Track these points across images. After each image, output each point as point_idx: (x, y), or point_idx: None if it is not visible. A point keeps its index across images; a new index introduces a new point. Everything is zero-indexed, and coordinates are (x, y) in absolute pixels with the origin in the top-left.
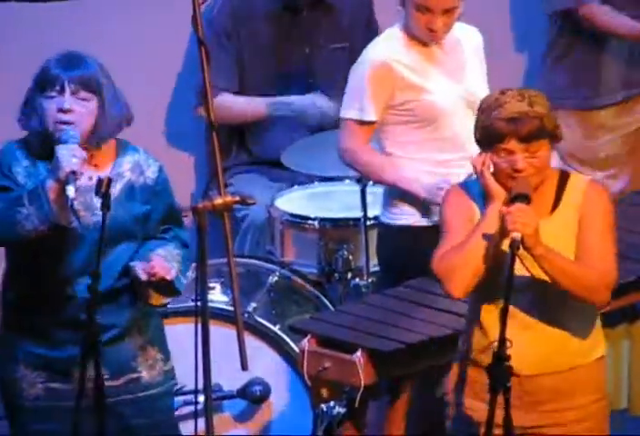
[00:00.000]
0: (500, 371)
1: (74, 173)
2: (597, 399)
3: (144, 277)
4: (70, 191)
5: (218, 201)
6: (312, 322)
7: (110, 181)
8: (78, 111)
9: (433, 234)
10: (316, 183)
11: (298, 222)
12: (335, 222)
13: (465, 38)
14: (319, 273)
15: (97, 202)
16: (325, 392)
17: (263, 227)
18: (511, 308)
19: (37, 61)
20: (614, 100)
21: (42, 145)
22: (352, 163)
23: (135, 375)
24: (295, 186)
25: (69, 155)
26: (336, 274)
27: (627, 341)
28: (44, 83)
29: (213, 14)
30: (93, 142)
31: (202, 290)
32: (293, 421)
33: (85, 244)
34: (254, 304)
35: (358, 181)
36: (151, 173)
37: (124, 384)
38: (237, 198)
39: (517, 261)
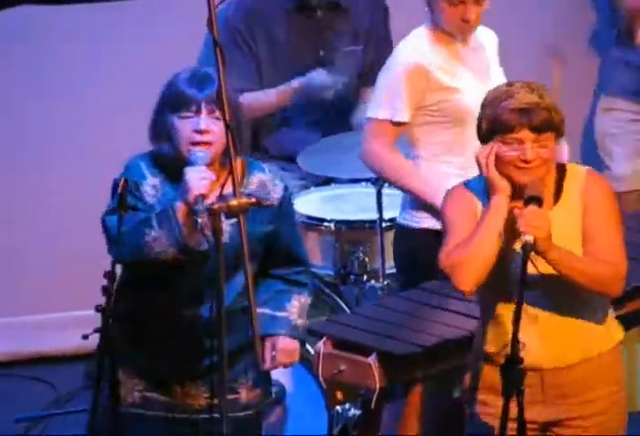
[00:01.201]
0: (513, 374)
1: (202, 195)
2: (617, 389)
3: (267, 366)
4: (201, 215)
5: (233, 202)
6: (327, 324)
7: (126, 182)
8: (214, 131)
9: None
10: (332, 184)
11: (314, 224)
12: (351, 224)
13: (485, 39)
14: (335, 275)
15: (224, 223)
16: (340, 395)
17: None
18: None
19: (61, 67)
20: None
21: (172, 164)
22: (374, 165)
23: (233, 396)
24: (312, 188)
25: (198, 178)
26: (352, 276)
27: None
28: (176, 103)
29: (228, 15)
30: (226, 161)
31: (218, 292)
32: (308, 422)
33: (208, 264)
34: None
35: (374, 183)
36: (276, 194)
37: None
38: (253, 200)
39: (531, 259)
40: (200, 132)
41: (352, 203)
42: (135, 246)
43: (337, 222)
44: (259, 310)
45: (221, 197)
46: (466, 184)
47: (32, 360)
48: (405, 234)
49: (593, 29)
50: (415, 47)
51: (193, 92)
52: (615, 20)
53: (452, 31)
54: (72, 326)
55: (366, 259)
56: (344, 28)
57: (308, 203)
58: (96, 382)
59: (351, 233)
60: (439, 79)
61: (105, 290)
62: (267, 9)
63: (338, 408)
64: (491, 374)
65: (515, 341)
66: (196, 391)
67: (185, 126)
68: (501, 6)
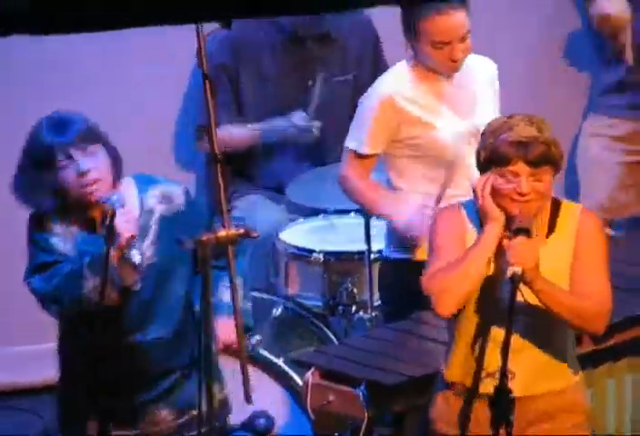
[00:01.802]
0: (502, 406)
1: (132, 236)
2: (583, 420)
3: (219, 350)
4: (135, 256)
5: (222, 233)
6: (316, 355)
7: (114, 213)
8: (96, 166)
9: None
10: (321, 215)
11: (303, 254)
12: (340, 255)
13: (478, 69)
14: (323, 306)
15: (141, 246)
16: (329, 425)
17: (266, 249)
18: (499, 331)
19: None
20: None
21: (72, 211)
22: (345, 190)
23: (196, 412)
24: (300, 219)
25: (123, 222)
26: (340, 307)
27: (630, 374)
28: (45, 156)
29: (212, 49)
30: (116, 188)
31: (206, 322)
32: None
33: (143, 288)
34: (258, 337)
35: (362, 213)
36: (178, 199)
37: (188, 421)
38: (241, 231)
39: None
40: (84, 174)
41: (340, 234)
42: (72, 300)
43: (326, 254)
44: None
45: (209, 228)
46: (458, 207)
47: (19, 390)
48: (388, 266)
49: (580, 50)
50: (392, 81)
51: (56, 139)
52: (600, 41)
53: (439, 70)
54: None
55: (355, 290)
56: (333, 58)
57: (297, 234)
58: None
59: (340, 264)
60: (413, 113)
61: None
62: (254, 41)
63: None
64: (449, 402)
65: (504, 370)
66: (161, 416)
67: (66, 175)
68: (489, 26)
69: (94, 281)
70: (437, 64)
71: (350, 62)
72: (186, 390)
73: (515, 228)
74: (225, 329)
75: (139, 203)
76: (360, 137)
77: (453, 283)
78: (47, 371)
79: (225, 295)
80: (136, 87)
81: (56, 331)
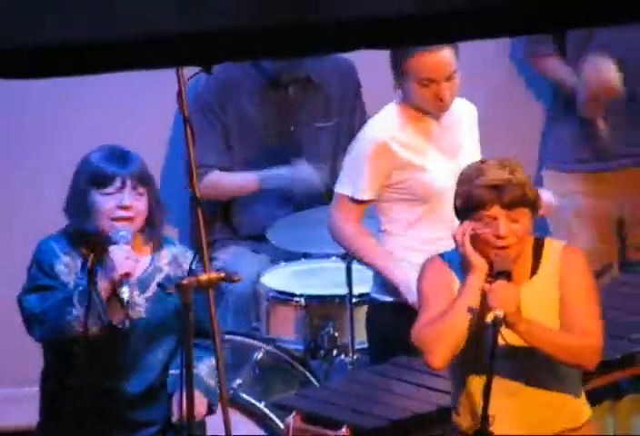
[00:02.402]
0: None
1: (127, 274)
2: None
3: (175, 419)
4: (124, 293)
5: (203, 277)
6: (297, 398)
7: (95, 258)
8: (136, 206)
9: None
10: (302, 259)
11: (284, 298)
12: (321, 299)
13: (461, 111)
14: (305, 350)
15: (138, 298)
16: None
17: (247, 299)
18: (496, 377)
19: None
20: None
21: (86, 241)
22: (340, 240)
23: None
24: (282, 263)
25: (123, 257)
26: (322, 351)
27: (611, 418)
28: (98, 179)
29: (199, 86)
30: (147, 235)
31: (187, 366)
32: None
33: (127, 340)
34: (239, 381)
35: (344, 258)
36: (187, 266)
37: None
38: (222, 274)
39: (500, 332)
40: (124, 208)
41: (322, 278)
42: (56, 326)
43: (307, 297)
44: (172, 371)
45: (190, 272)
46: (443, 257)
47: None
48: (376, 308)
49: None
50: (383, 125)
51: (114, 168)
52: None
53: (427, 109)
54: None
55: (336, 333)
56: (315, 104)
57: (278, 278)
58: None
59: (321, 308)
60: (404, 157)
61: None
62: (238, 84)
63: None
64: None
65: (485, 413)
66: None
67: (108, 202)
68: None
69: (80, 310)
70: (425, 103)
71: (332, 108)
72: None
73: (494, 271)
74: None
75: (151, 258)
76: (356, 183)
77: (440, 336)
78: (23, 416)
79: (200, 371)
80: (122, 120)
81: (40, 368)
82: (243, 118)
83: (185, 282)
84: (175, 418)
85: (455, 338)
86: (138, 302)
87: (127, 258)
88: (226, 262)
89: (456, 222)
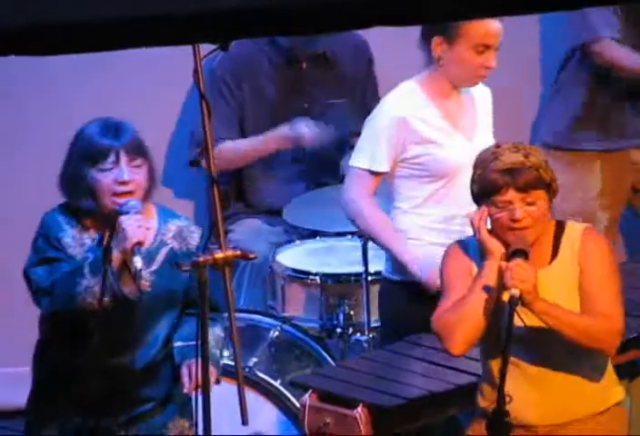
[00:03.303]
0: (499, 428)
1: (139, 243)
2: None
3: (186, 390)
4: (137, 262)
5: (219, 255)
6: (313, 377)
7: (111, 236)
8: (135, 180)
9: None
10: (318, 237)
11: (300, 277)
12: (337, 277)
13: (478, 95)
14: (320, 328)
15: (145, 271)
16: None
17: (263, 271)
18: (516, 360)
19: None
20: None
21: (91, 216)
22: (353, 215)
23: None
24: (297, 241)
25: (135, 226)
26: (337, 329)
27: (627, 397)
28: (92, 155)
29: (214, 64)
30: (147, 207)
31: (203, 345)
32: None
33: (130, 312)
34: (254, 359)
35: (360, 236)
36: (193, 241)
37: None
38: (238, 252)
39: (518, 313)
40: (123, 183)
41: (337, 256)
42: (66, 296)
43: (323, 276)
44: (177, 344)
45: (206, 249)
46: (462, 243)
47: (9, 413)
48: (388, 287)
49: None
50: (402, 100)
51: (108, 141)
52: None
53: (463, 80)
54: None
55: (352, 312)
56: (329, 80)
57: (293, 256)
58: None
59: (336, 287)
60: (421, 132)
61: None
62: (253, 61)
63: None
64: (482, 428)
65: (502, 393)
66: None
67: (105, 178)
68: None
69: (90, 281)
70: (468, 71)
71: (345, 85)
72: (156, 422)
73: (511, 250)
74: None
75: (156, 231)
76: (373, 155)
77: (456, 323)
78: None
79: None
80: (131, 97)
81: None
82: (258, 95)
83: (200, 259)
84: (186, 389)
85: (474, 323)
86: (143, 275)
87: (139, 227)
88: (241, 234)
89: (470, 201)
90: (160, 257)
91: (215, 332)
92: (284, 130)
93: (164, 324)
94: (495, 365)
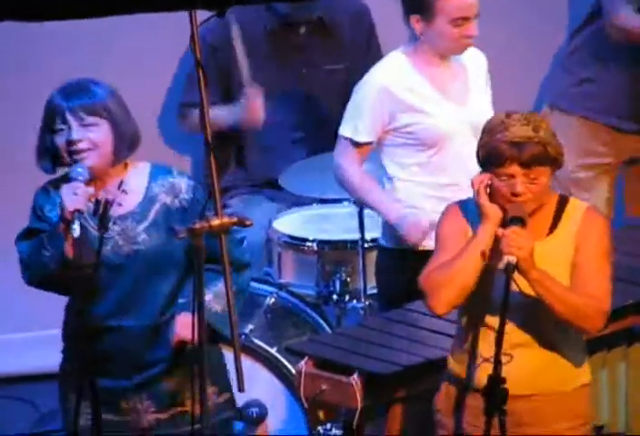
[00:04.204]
0: (495, 395)
1: (78, 211)
2: (579, 424)
3: (174, 344)
4: (75, 230)
5: (215, 222)
6: (309, 344)
7: (108, 202)
8: (89, 138)
9: (425, 259)
10: (314, 204)
11: (296, 243)
12: (333, 244)
13: (471, 60)
14: (317, 295)
15: (135, 230)
16: (321, 414)
17: (260, 248)
18: (494, 326)
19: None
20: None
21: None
22: (341, 180)
23: (181, 409)
24: (294, 208)
25: (70, 194)
26: (334, 296)
27: (624, 364)
28: (49, 117)
29: (206, 30)
30: (115, 164)
31: (199, 312)
32: None
33: (127, 273)
34: (251, 326)
35: (356, 203)
36: (186, 195)
37: (170, 418)
38: (235, 219)
39: (514, 281)
40: (71, 142)
41: (334, 223)
42: (35, 267)
43: (319, 242)
44: (181, 300)
45: (202, 217)
46: (461, 205)
47: (13, 379)
48: (384, 254)
49: None
50: (387, 70)
51: (59, 102)
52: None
53: (448, 51)
54: (53, 344)
55: (348, 279)
56: (327, 46)
57: (290, 223)
58: (77, 403)
59: (333, 254)
60: (408, 101)
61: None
62: (250, 27)
63: (320, 428)
64: (451, 395)
65: (498, 359)
66: (142, 406)
67: (60, 140)
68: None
69: (50, 250)
70: (451, 43)
71: (344, 51)
72: (168, 386)
73: (508, 217)
74: (185, 324)
75: (145, 188)
76: (356, 125)
77: (444, 282)
78: (44, 360)
79: (206, 297)
80: (121, 67)
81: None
82: (254, 61)
83: (196, 226)
84: (172, 340)
85: (461, 284)
86: (136, 234)
87: (76, 194)
88: (238, 206)
89: (463, 169)
90: (151, 214)
91: (218, 288)
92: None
93: (164, 284)
94: (477, 330)
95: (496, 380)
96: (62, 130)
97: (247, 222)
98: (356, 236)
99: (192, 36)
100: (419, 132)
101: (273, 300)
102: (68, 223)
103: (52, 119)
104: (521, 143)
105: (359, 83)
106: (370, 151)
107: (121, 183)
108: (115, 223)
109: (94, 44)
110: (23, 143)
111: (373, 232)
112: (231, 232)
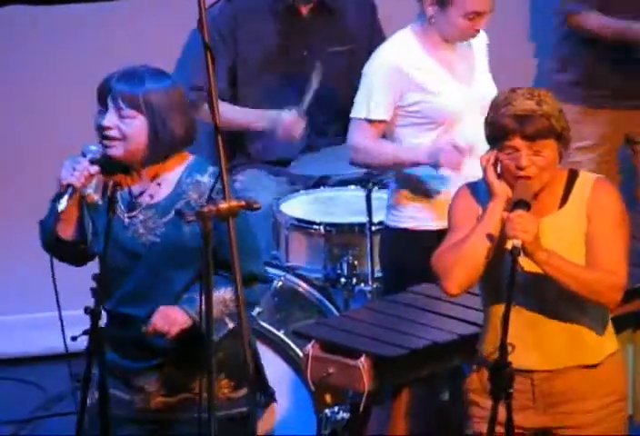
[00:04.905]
0: (501, 377)
1: (70, 186)
2: (614, 401)
3: (148, 333)
4: (61, 204)
5: (223, 205)
6: (316, 327)
7: (116, 186)
8: (120, 129)
9: (433, 239)
10: (322, 187)
11: (304, 226)
12: (341, 227)
13: (475, 40)
14: (324, 279)
15: (157, 222)
16: (328, 398)
17: (266, 221)
18: (517, 307)
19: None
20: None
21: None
22: (357, 156)
23: (189, 395)
24: (301, 191)
25: (70, 168)
26: (341, 280)
27: (632, 346)
28: (98, 95)
29: (213, 15)
30: (149, 160)
31: (207, 297)
32: (296, 425)
33: (143, 263)
34: (258, 309)
35: (363, 186)
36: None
37: (177, 403)
38: (243, 203)
39: (521, 259)
40: (103, 128)
41: (341, 206)
42: (43, 231)
43: (327, 225)
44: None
45: (210, 200)
46: (472, 186)
47: (19, 361)
48: (386, 235)
49: None
50: (396, 48)
51: (108, 84)
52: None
53: (453, 39)
54: (58, 326)
55: (356, 262)
56: (330, 29)
57: (297, 206)
58: (84, 385)
59: (340, 237)
60: (417, 81)
61: (94, 292)
62: (254, 10)
63: (327, 411)
64: (483, 376)
65: (504, 342)
66: (151, 389)
67: (97, 120)
68: None
69: (51, 218)
70: (459, 33)
71: (347, 34)
72: (179, 372)
73: (513, 200)
74: (164, 315)
75: (177, 182)
76: (369, 105)
77: (455, 262)
78: (51, 342)
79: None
80: (124, 49)
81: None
82: (257, 44)
83: (204, 210)
84: (145, 328)
85: (472, 264)
86: (156, 225)
87: (75, 169)
88: (245, 182)
89: (476, 149)
90: (173, 211)
91: (219, 293)
92: (272, 115)
93: (178, 279)
94: (495, 312)
95: (502, 361)
96: (102, 112)
97: (255, 206)
98: (364, 219)
99: (199, 20)
100: (426, 110)
101: (280, 283)
102: (60, 195)
103: (98, 98)
104: (524, 115)
105: (368, 64)
106: (383, 131)
107: (155, 174)
108: (140, 212)
109: (97, 29)
110: (24, 125)
111: (380, 215)
112: (250, 244)
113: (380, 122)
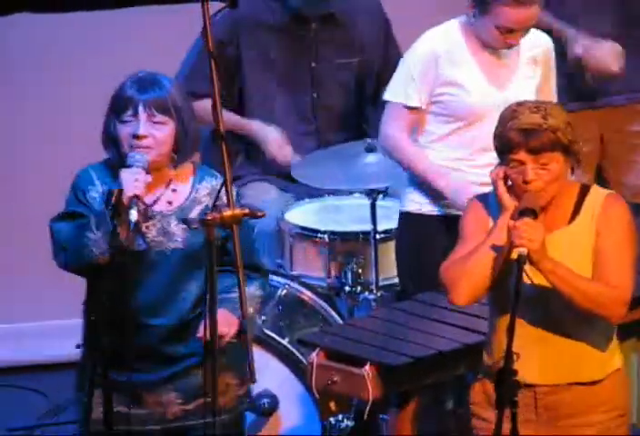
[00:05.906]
0: (506, 386)
1: (136, 197)
2: (616, 416)
3: (199, 335)
4: (132, 215)
5: (227, 213)
6: (321, 335)
7: (120, 193)
8: (154, 136)
9: (440, 223)
10: (326, 195)
11: (308, 235)
12: (345, 235)
13: (526, 46)
14: (328, 287)
15: (175, 229)
16: (333, 406)
17: (271, 237)
18: (522, 320)
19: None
20: None
21: (117, 171)
22: (390, 149)
23: (203, 400)
24: (306, 199)
25: (132, 179)
26: (346, 288)
27: (636, 354)
28: (118, 106)
29: (214, 22)
30: (175, 165)
31: (211, 303)
32: (301, 433)
33: (162, 271)
34: (263, 317)
35: (368, 194)
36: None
37: (194, 409)
38: (247, 211)
39: (527, 272)
40: (137, 137)
41: (346, 215)
42: (76, 250)
43: (331, 234)
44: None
45: (215, 207)
46: (483, 198)
47: (24, 369)
48: (406, 220)
49: None
50: (439, 37)
51: (131, 93)
52: None
53: (488, 44)
54: (65, 335)
55: (360, 270)
56: (338, 40)
57: (302, 214)
58: (88, 397)
59: (345, 245)
60: (449, 73)
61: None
62: (260, 20)
63: (331, 419)
64: (487, 387)
65: (509, 352)
66: (168, 398)
67: (125, 130)
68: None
69: (96, 233)
70: (491, 40)
71: (356, 45)
72: (196, 379)
73: (520, 209)
74: (223, 316)
75: (191, 189)
76: (406, 90)
77: (463, 274)
78: (57, 350)
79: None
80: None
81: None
82: (263, 53)
83: (208, 217)
84: (198, 334)
85: (479, 276)
86: (176, 231)
87: (137, 180)
88: (251, 196)
89: (481, 147)
90: (193, 215)
91: (250, 290)
92: (257, 129)
93: (194, 283)
94: (502, 323)
95: (508, 372)
96: (130, 121)
97: (259, 214)
98: (368, 227)
99: (204, 28)
100: (449, 103)
101: (285, 291)
102: (124, 208)
103: (122, 109)
104: (529, 129)
105: (409, 50)
106: (417, 119)
107: (170, 181)
108: (159, 220)
109: (108, 35)
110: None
111: (385, 223)
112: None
113: (416, 109)
